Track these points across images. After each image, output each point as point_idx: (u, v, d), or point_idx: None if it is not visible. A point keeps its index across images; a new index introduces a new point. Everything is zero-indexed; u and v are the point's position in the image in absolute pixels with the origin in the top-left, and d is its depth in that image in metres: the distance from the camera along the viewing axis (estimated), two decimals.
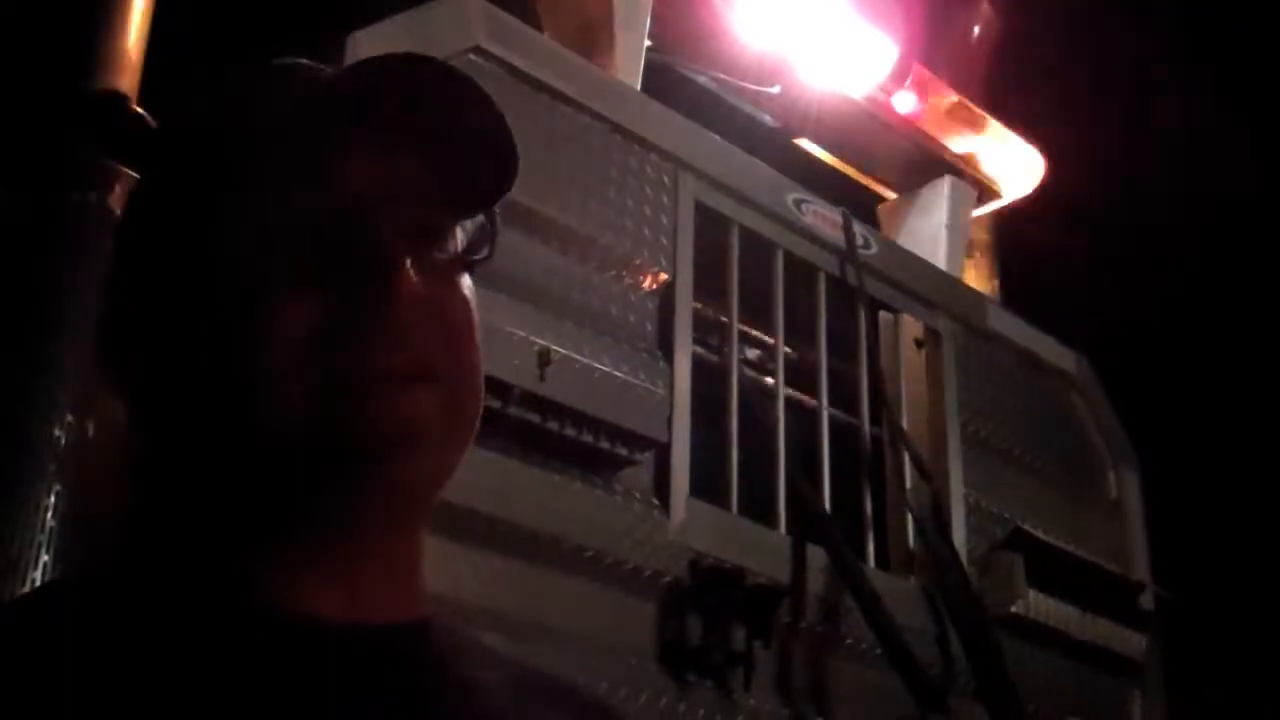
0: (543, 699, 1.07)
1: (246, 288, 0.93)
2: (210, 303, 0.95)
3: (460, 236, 1.01)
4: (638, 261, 2.75)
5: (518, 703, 1.03)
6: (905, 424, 3.29)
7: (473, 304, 1.01)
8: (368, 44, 2.29)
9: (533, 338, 2.36)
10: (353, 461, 0.92)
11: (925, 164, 3.86)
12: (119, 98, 2.29)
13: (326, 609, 0.94)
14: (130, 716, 0.85)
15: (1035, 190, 4.04)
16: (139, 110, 2.29)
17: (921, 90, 3.74)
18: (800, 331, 3.15)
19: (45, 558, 1.95)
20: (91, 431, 2.02)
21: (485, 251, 1.03)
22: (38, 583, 1.93)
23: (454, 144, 0.99)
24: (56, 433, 2.00)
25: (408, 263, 0.92)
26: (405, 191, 0.96)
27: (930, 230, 3.81)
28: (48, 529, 1.95)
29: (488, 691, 1.02)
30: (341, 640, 0.94)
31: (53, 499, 1.97)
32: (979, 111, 3.90)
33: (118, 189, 2.15)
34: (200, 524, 0.97)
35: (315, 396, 0.91)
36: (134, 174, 2.15)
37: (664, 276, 2.79)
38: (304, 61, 1.03)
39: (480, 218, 1.03)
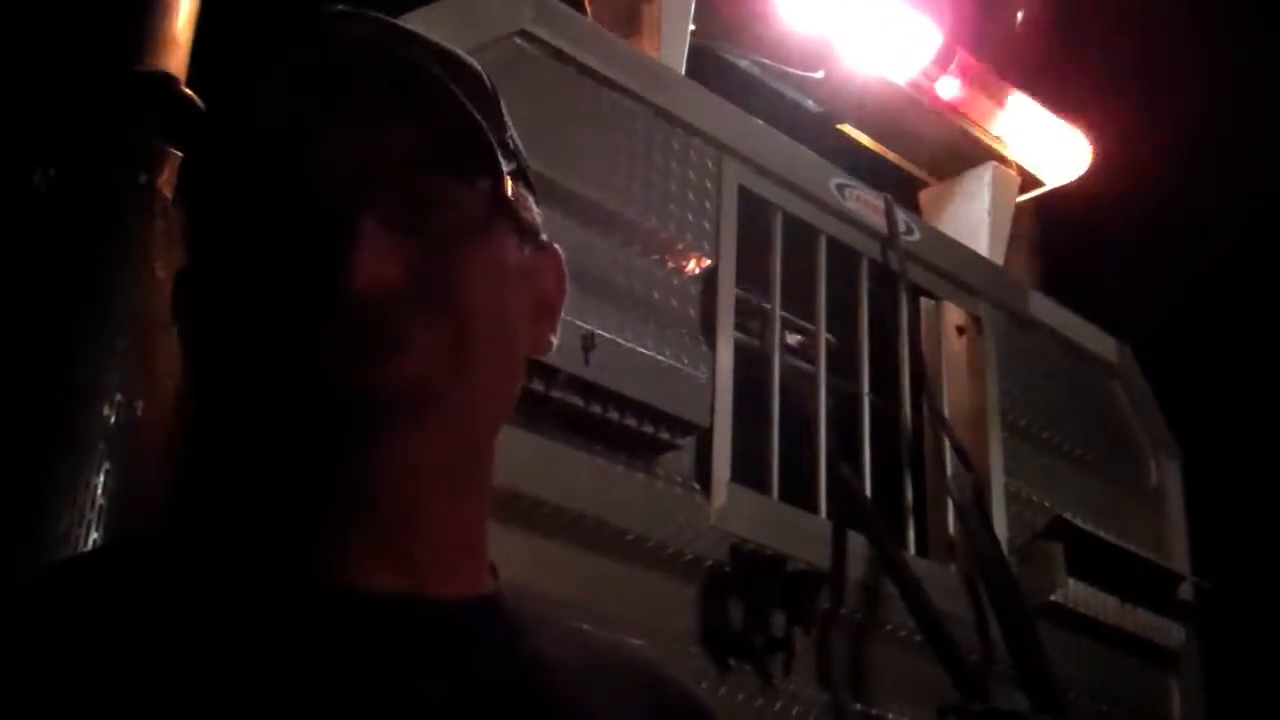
0: (618, 683, 1.06)
1: (238, 270, 0.94)
2: (222, 267, 0.96)
3: (481, 201, 0.99)
4: (681, 246, 2.75)
5: (590, 683, 1.02)
6: (946, 411, 3.28)
7: (504, 270, 1.00)
8: (415, 28, 2.29)
9: (577, 321, 2.37)
10: (334, 441, 0.92)
11: (968, 150, 3.85)
12: (168, 79, 2.30)
13: (384, 582, 0.94)
14: (176, 682, 0.86)
15: (1079, 177, 4.02)
16: (188, 91, 2.30)
17: (965, 76, 3.72)
18: (842, 317, 3.15)
19: (94, 535, 1.97)
20: (140, 410, 2.03)
21: (503, 214, 1.01)
22: None
23: (419, 110, 0.97)
24: (105, 411, 2.02)
25: (376, 236, 0.91)
26: (388, 163, 0.95)
27: (973, 217, 3.80)
28: (96, 506, 1.97)
29: (556, 670, 1.00)
30: (400, 613, 0.94)
31: (101, 477, 1.98)
32: (1023, 97, 3.88)
33: (167, 170, 2.16)
34: (253, 491, 0.98)
35: (293, 381, 0.92)
36: (182, 154, 2.17)
37: (707, 261, 2.79)
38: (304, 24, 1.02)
39: (486, 184, 1.00)
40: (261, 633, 0.90)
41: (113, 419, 2.01)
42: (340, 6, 1.02)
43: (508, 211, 1.02)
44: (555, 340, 1.08)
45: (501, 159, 1.00)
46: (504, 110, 1.05)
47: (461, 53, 1.03)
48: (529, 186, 1.06)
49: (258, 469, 0.98)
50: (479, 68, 1.03)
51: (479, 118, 0.98)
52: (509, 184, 1.02)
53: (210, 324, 0.97)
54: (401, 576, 0.95)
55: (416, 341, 0.93)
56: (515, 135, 1.06)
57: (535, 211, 1.06)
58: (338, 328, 0.90)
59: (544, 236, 1.08)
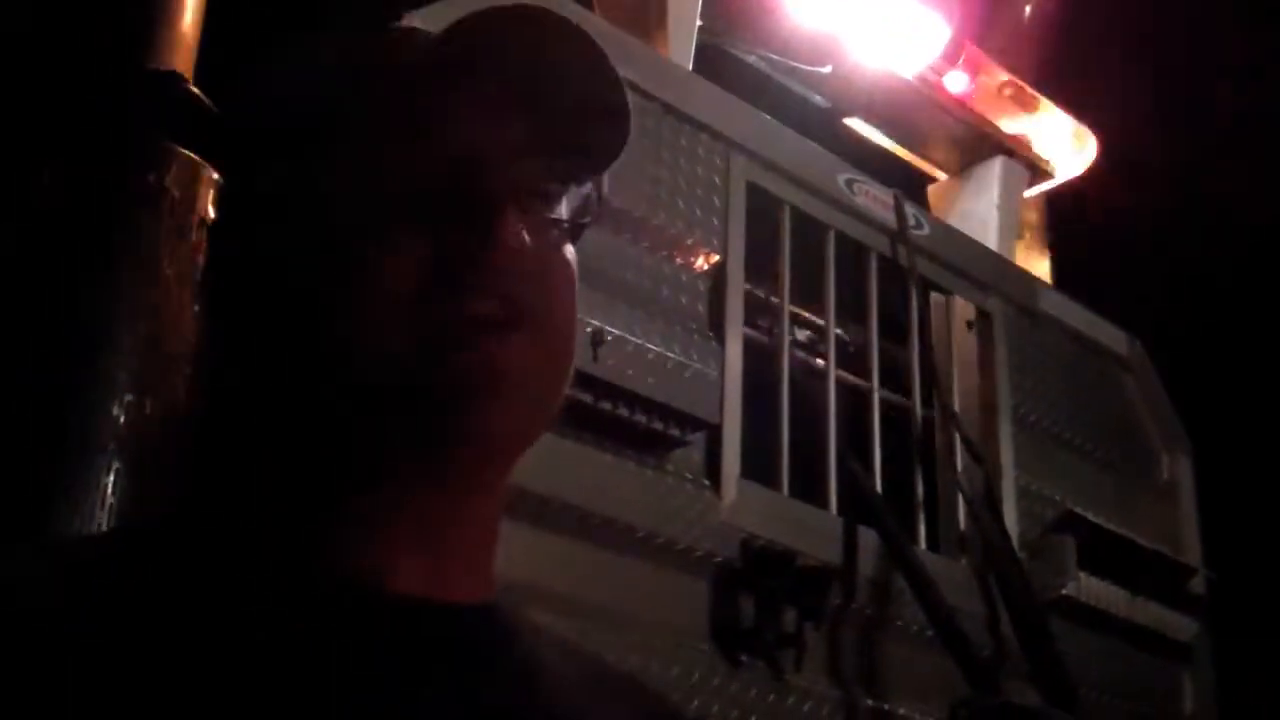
0: (609, 693, 1.07)
1: (352, 238, 0.94)
2: (315, 252, 0.96)
3: (569, 202, 1.01)
4: (689, 242, 2.75)
5: (584, 694, 1.02)
6: (956, 406, 3.28)
7: (574, 270, 1.01)
8: (423, 24, 2.29)
9: (586, 318, 2.37)
10: (441, 407, 0.92)
11: (977, 144, 3.85)
12: (175, 77, 2.30)
13: (400, 579, 0.94)
14: (176, 667, 0.85)
15: (1087, 170, 4.01)
16: (195, 90, 2.30)
17: (973, 70, 3.72)
18: (851, 313, 3.15)
19: None
20: (149, 409, 2.03)
21: (590, 216, 1.03)
22: None
23: (569, 107, 0.99)
24: (115, 411, 2.01)
25: (513, 216, 0.93)
26: (517, 152, 0.97)
27: (982, 211, 3.80)
28: (107, 506, 1.97)
29: (554, 680, 1.01)
30: (410, 614, 0.94)
31: (112, 477, 1.98)
32: (1031, 91, 3.88)
33: (174, 168, 2.16)
34: (283, 478, 0.97)
35: (412, 343, 0.91)
36: (189, 153, 2.17)
37: (715, 257, 2.79)
38: (415, 28, 1.03)
39: (588, 185, 1.03)
40: (270, 625, 0.90)
41: (122, 418, 2.00)
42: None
43: (590, 216, 1.04)
44: None
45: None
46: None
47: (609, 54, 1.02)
48: None
49: (291, 453, 0.97)
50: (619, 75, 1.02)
51: (625, 127, 1.01)
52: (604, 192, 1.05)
53: (293, 293, 0.96)
54: (420, 574, 0.95)
55: (529, 324, 0.94)
56: None
57: None
58: (468, 302, 0.92)
59: None
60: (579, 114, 0.99)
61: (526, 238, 0.94)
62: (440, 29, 1.01)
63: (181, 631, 0.87)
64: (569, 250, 1.01)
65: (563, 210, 1.01)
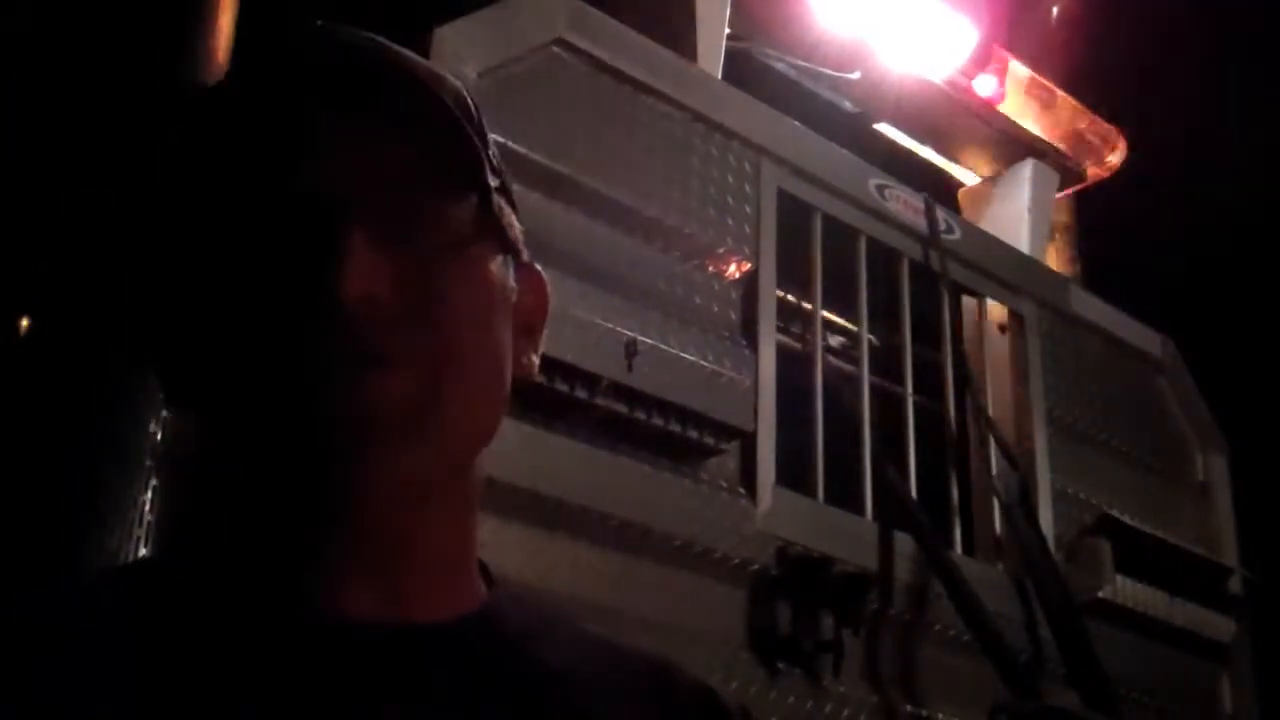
0: (631, 682, 1.05)
1: (218, 289, 0.92)
2: (193, 303, 0.95)
3: (468, 217, 0.97)
4: (721, 250, 2.75)
5: (597, 688, 1.01)
6: (990, 409, 3.27)
7: (491, 287, 0.99)
8: (452, 39, 2.30)
9: (619, 328, 2.37)
10: (322, 459, 0.90)
11: (1007, 147, 3.84)
12: None
13: (363, 609, 0.93)
14: (153, 713, 0.86)
15: (1117, 171, 4.00)
16: None
17: (1002, 73, 3.71)
18: (884, 317, 3.15)
19: (142, 551, 1.98)
20: (188, 426, 2.04)
21: (489, 231, 1.00)
22: None
23: (407, 124, 0.95)
24: (153, 429, 2.03)
25: (365, 250, 0.90)
26: (376, 176, 0.93)
27: (1013, 214, 3.79)
28: (145, 524, 1.98)
29: (555, 680, 0.99)
30: (375, 642, 0.93)
31: (149, 495, 2.00)
32: (1060, 93, 3.87)
33: None
34: (241, 521, 0.98)
35: (278, 395, 0.90)
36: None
37: (747, 265, 2.79)
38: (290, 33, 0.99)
39: (473, 198, 0.98)
40: (232, 663, 0.89)
41: (159, 437, 2.02)
42: (321, 22, 0.99)
43: (492, 228, 1.00)
44: (536, 360, 1.06)
45: (489, 174, 0.99)
46: (486, 127, 1.02)
47: (444, 71, 1.00)
48: (512, 205, 1.05)
49: (247, 490, 0.97)
50: (460, 85, 1.01)
51: (469, 131, 0.97)
52: (494, 200, 1.00)
53: (191, 341, 0.95)
54: (384, 600, 0.94)
55: (402, 359, 0.91)
56: (496, 153, 1.04)
57: (518, 229, 1.05)
58: (325, 342, 0.89)
59: (526, 255, 1.06)
60: (425, 132, 0.96)
61: (395, 271, 0.91)
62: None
63: (141, 676, 0.88)
64: (487, 266, 0.99)
65: (462, 226, 0.97)
